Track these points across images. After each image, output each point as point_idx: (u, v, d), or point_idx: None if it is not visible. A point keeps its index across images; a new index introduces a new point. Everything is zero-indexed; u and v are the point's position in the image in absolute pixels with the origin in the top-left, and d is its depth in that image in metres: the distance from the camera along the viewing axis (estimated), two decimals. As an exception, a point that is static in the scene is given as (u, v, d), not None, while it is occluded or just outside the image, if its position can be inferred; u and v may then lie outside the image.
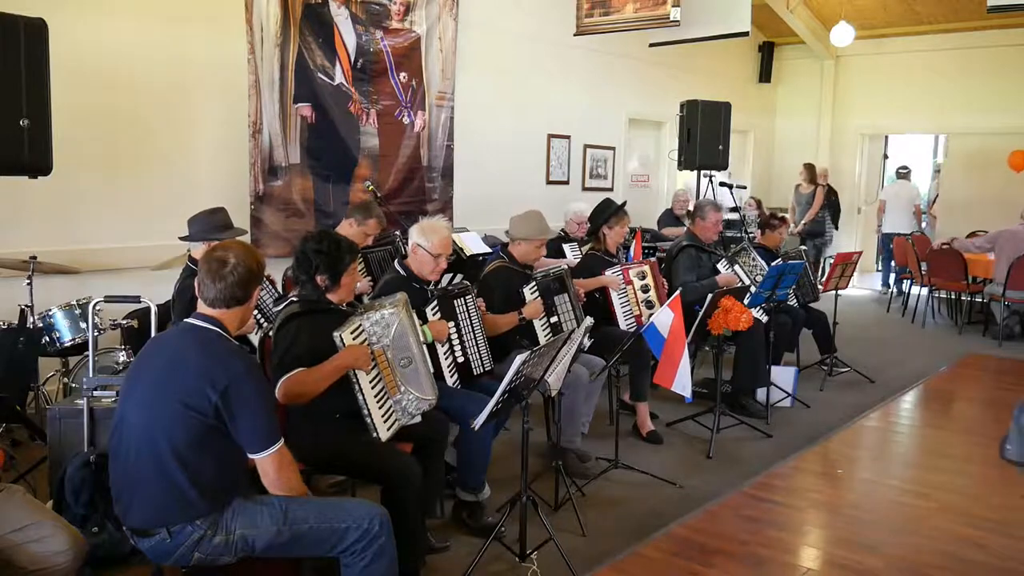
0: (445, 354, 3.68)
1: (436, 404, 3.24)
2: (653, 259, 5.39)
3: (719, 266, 5.52)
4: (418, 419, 3.16)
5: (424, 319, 3.59)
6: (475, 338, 3.85)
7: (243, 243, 2.54)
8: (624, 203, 5.25)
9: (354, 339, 2.96)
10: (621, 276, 4.97)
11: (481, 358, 3.85)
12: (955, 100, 10.76)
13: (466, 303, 3.84)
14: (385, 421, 3.00)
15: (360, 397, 2.94)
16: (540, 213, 4.46)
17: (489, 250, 5.65)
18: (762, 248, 6.18)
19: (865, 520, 3.88)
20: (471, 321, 3.84)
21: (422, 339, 3.30)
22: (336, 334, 2.90)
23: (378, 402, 3.00)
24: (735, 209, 8.34)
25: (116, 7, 5.23)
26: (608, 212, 5.18)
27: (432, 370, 3.35)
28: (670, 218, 8.52)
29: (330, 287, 3.09)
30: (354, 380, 2.93)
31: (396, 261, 3.90)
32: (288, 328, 2.97)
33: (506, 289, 4.25)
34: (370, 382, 2.98)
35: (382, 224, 5.02)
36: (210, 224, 3.87)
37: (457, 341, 3.76)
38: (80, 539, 2.46)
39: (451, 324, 3.74)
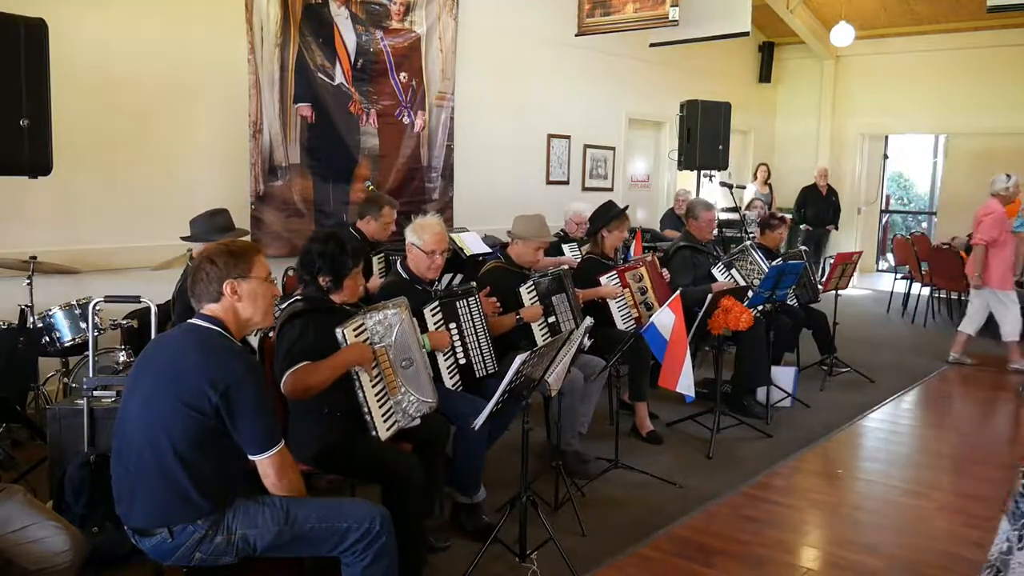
0: (446, 356, 3.67)
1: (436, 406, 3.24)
2: (651, 256, 5.31)
3: (715, 271, 5.47)
4: (418, 422, 3.15)
5: (423, 321, 3.58)
6: (478, 340, 3.83)
7: (220, 241, 2.54)
8: (626, 207, 5.21)
9: (356, 336, 2.96)
10: (618, 281, 4.93)
11: (484, 360, 3.83)
12: (955, 100, 10.76)
13: (469, 305, 3.82)
14: (385, 421, 3.00)
15: (360, 394, 2.94)
16: (543, 218, 4.43)
17: (489, 250, 5.65)
18: (762, 248, 6.17)
19: (865, 520, 3.88)
20: (474, 323, 3.82)
21: (422, 346, 3.30)
22: (339, 330, 2.91)
23: (378, 401, 3.00)
24: (735, 209, 8.33)
25: (116, 7, 5.22)
26: (609, 215, 5.12)
27: (432, 373, 3.34)
28: (673, 218, 8.48)
29: (332, 289, 3.09)
30: (355, 378, 2.94)
31: (399, 263, 3.87)
32: (293, 324, 2.97)
33: (501, 289, 4.22)
34: (371, 381, 2.98)
35: (395, 206, 5.11)
36: (211, 225, 3.88)
37: (459, 343, 3.74)
38: (80, 539, 2.47)
39: (453, 326, 3.72)
